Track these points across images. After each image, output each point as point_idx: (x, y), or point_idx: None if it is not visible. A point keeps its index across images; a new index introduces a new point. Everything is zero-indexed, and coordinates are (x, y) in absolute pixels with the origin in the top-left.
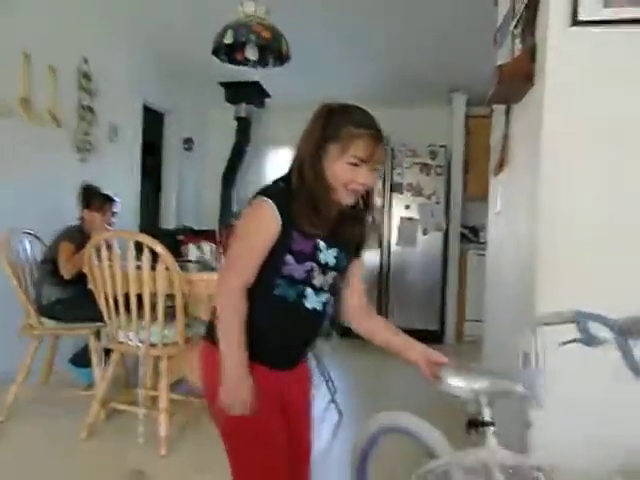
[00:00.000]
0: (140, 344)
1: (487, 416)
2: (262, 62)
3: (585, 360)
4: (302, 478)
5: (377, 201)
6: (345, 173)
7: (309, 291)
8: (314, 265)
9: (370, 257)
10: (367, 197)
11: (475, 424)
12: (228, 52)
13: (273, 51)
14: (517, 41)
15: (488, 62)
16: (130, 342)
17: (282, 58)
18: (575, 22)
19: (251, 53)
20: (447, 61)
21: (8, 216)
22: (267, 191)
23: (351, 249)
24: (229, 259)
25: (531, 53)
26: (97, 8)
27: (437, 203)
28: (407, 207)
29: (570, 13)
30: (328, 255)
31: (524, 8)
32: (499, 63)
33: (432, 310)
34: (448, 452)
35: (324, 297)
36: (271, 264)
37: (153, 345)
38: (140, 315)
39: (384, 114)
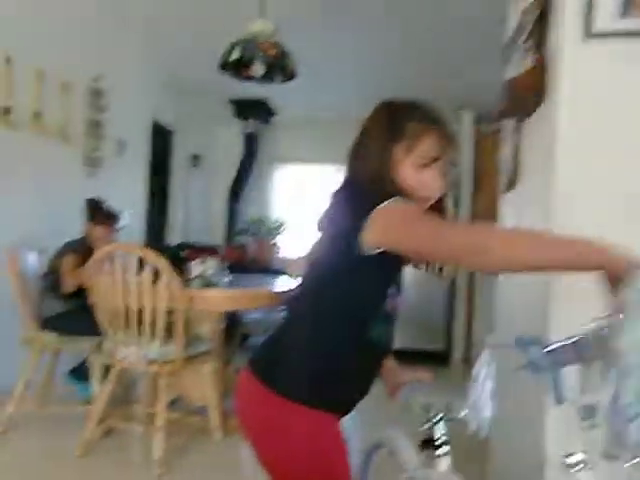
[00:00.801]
0: (139, 360)
1: (439, 435)
2: (268, 78)
3: None
4: None
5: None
6: (413, 176)
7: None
8: (395, 292)
9: None
10: (439, 206)
11: (428, 444)
12: (235, 68)
13: (279, 68)
14: (528, 54)
15: (496, 78)
16: (129, 358)
17: (288, 75)
18: (589, 34)
19: (257, 69)
20: (454, 77)
21: (15, 229)
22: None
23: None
24: (425, 222)
25: (543, 66)
26: (110, 26)
27: None
28: None
29: (584, 24)
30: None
31: (535, 20)
32: (509, 77)
33: (438, 330)
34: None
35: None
36: (375, 298)
37: (152, 361)
38: (140, 331)
39: None
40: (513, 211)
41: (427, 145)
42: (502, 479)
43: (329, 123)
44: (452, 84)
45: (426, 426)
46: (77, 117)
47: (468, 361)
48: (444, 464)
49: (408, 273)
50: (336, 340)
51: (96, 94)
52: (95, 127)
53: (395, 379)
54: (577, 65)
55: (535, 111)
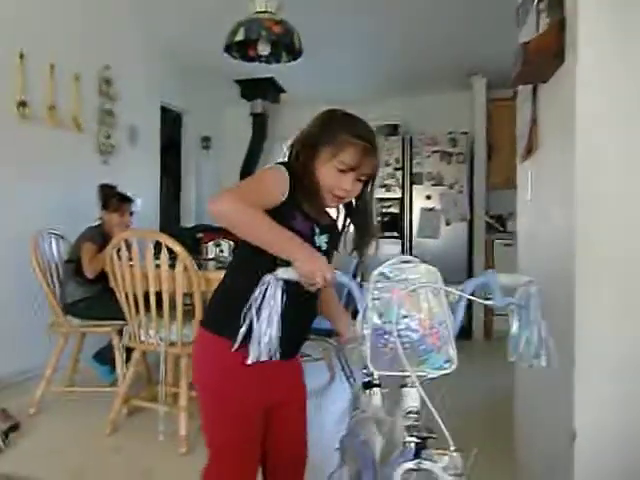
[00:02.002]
0: (160, 342)
1: (375, 379)
2: (275, 57)
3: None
4: (298, 476)
5: (375, 218)
6: (331, 177)
7: None
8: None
9: (391, 250)
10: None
11: (367, 386)
12: (240, 49)
13: (285, 45)
14: (543, 15)
15: (507, 42)
16: (150, 340)
17: (295, 52)
18: None
19: (263, 48)
20: (464, 44)
21: (36, 217)
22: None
23: (335, 242)
24: (238, 188)
25: (560, 27)
26: (114, 17)
27: (460, 192)
28: (428, 197)
29: None
30: (321, 240)
31: None
32: (523, 40)
33: None
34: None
35: None
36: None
37: (173, 343)
38: (160, 314)
39: (401, 103)
40: (532, 180)
41: (348, 155)
42: (528, 451)
43: (340, 102)
44: (464, 50)
45: (364, 371)
46: (89, 107)
47: (489, 335)
48: (377, 400)
49: (426, 250)
50: (245, 288)
51: (106, 83)
52: (107, 115)
53: (344, 331)
54: (596, 23)
55: (553, 75)
